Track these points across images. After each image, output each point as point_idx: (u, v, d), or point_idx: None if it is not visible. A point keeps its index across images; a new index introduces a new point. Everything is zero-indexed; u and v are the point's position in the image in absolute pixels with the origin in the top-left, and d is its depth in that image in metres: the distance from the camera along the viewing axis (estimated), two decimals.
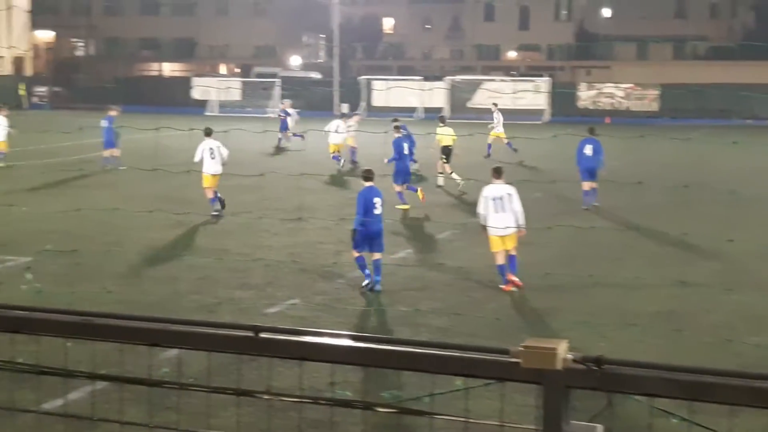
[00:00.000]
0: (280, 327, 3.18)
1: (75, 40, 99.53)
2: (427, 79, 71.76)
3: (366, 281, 16.02)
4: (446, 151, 29.92)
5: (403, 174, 25.30)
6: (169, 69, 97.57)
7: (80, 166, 29.63)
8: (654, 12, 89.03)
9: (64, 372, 3.65)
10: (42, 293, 14.71)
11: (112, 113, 34.13)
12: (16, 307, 3.56)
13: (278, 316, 14.33)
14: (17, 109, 65.06)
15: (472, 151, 36.74)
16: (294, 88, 69.88)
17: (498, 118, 38.87)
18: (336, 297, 15.69)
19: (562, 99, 67.61)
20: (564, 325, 13.76)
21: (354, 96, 69.04)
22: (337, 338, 3.10)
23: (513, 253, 16.35)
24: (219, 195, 23.65)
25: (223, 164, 23.87)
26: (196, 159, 23.90)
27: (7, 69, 78.51)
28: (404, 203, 24.68)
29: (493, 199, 16.17)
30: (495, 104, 41.42)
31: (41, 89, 76.28)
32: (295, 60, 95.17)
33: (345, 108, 64.86)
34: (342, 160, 33.75)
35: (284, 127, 42.19)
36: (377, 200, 16.16)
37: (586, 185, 25.31)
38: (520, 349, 2.77)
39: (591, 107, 67.99)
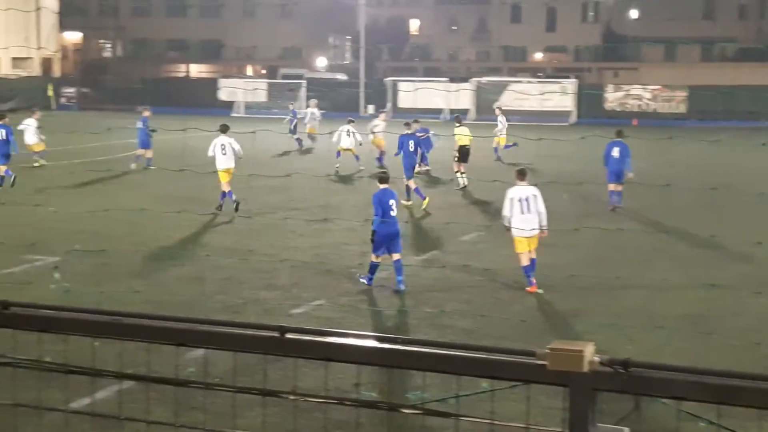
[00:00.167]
0: (305, 328, 3.18)
1: (103, 41, 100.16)
2: (453, 80, 71.62)
3: (368, 283, 16.12)
4: (463, 151, 30.08)
5: (405, 169, 25.95)
6: (196, 70, 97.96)
7: (108, 166, 29.81)
8: (682, 13, 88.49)
9: (91, 371, 3.67)
10: (70, 293, 14.83)
11: (146, 114, 34.66)
12: (45, 306, 3.59)
13: (303, 316, 14.36)
14: (46, 110, 65.65)
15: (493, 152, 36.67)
16: (320, 90, 69.95)
17: (502, 122, 38.71)
18: (361, 298, 15.69)
19: (589, 100, 67.30)
20: (590, 328, 13.70)
21: (380, 97, 69.01)
22: (363, 339, 3.10)
23: (533, 255, 16.33)
24: (229, 193, 24.16)
25: (239, 158, 24.47)
26: (209, 154, 24.45)
27: (36, 70, 79.10)
28: (423, 197, 25.05)
29: (519, 201, 16.17)
30: (499, 108, 41.23)
31: (69, 90, 76.76)
32: (321, 61, 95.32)
33: (371, 108, 64.87)
34: (359, 160, 33.94)
35: (293, 129, 42.36)
36: (392, 202, 16.29)
37: (612, 186, 25.33)
38: (547, 351, 2.76)
39: (618, 109, 67.61)
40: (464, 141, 30.33)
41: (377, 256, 16.13)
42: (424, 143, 33.14)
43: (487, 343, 3.02)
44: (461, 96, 67.58)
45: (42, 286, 15.38)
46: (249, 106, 69.66)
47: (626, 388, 2.70)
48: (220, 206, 24.16)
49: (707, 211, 24.18)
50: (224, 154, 24.27)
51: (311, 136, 41.44)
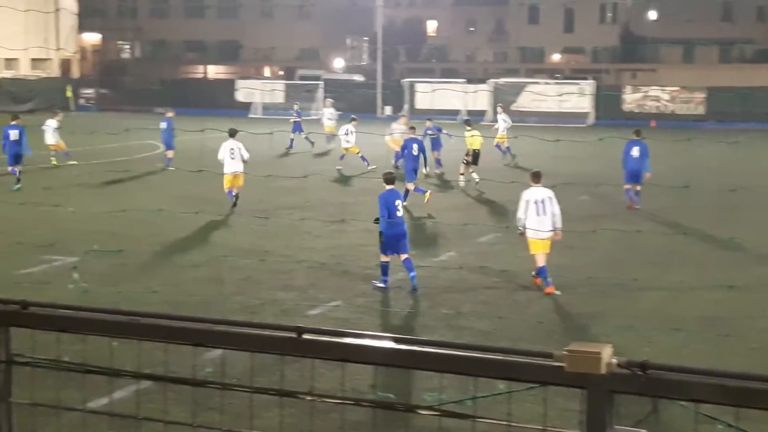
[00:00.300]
0: (322, 328, 3.19)
1: (121, 42, 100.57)
2: (470, 81, 71.58)
3: (384, 285, 16.10)
4: (475, 154, 30.17)
5: (409, 172, 26.14)
6: (214, 71, 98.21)
7: (127, 167, 29.93)
8: (700, 15, 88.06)
9: (109, 371, 3.68)
10: (88, 293, 14.89)
11: (170, 115, 35.01)
12: (63, 306, 3.61)
13: (320, 317, 14.37)
14: (64, 111, 65.96)
15: (516, 154, 36.62)
16: (337, 91, 70.04)
17: (506, 120, 38.65)
18: (378, 299, 15.70)
19: (607, 102, 67.13)
20: (608, 330, 13.66)
21: (397, 98, 69.03)
22: (379, 340, 3.10)
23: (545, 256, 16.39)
24: (229, 193, 24.68)
25: (244, 162, 24.84)
26: (219, 157, 24.81)
27: (55, 71, 79.49)
28: (423, 192, 25.37)
29: (535, 202, 16.21)
30: (501, 106, 41.18)
31: (88, 91, 77.13)
32: (338, 62, 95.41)
33: (388, 110, 64.90)
34: (365, 161, 34.04)
35: (298, 129, 42.40)
36: (398, 202, 16.35)
37: (629, 185, 25.41)
38: (564, 353, 2.75)
39: (636, 110, 67.39)
40: (476, 145, 30.44)
41: (386, 256, 16.18)
42: (435, 143, 33.17)
43: (504, 345, 3.02)
44: (478, 97, 67.53)
45: (60, 286, 15.46)
46: (266, 107, 69.84)
47: (644, 391, 2.69)
48: (234, 203, 24.51)
49: (726, 213, 24.07)
50: (233, 158, 24.67)
51: (329, 137, 41.51)
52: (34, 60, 75.86)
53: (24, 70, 75.03)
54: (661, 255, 19.61)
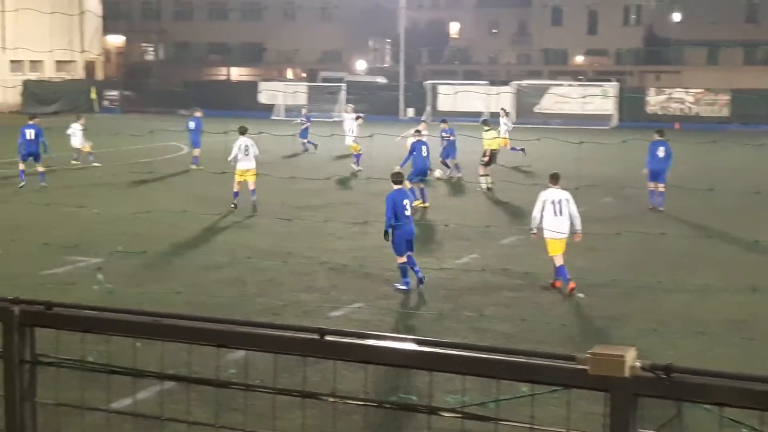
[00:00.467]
0: (345, 330, 3.19)
1: (145, 44, 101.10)
2: (493, 83, 71.46)
3: (406, 287, 16.12)
4: (492, 154, 30.17)
5: (415, 173, 26.28)
6: (237, 73, 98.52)
7: (151, 168, 30.07)
8: (725, 16, 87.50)
9: (133, 372, 3.70)
10: (113, 294, 14.97)
11: (198, 114, 35.37)
12: (88, 307, 3.63)
13: (342, 319, 14.38)
14: (89, 113, 66.34)
15: (537, 156, 36.52)
16: (360, 93, 70.07)
17: (506, 123, 38.58)
18: (400, 301, 15.70)
19: (631, 104, 66.84)
20: (632, 333, 13.60)
21: (420, 100, 69.00)
22: (402, 342, 3.10)
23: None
24: (235, 194, 24.83)
25: (255, 157, 25.18)
26: (233, 155, 24.99)
27: (79, 73, 79.99)
28: (414, 198, 25.21)
29: (552, 203, 16.36)
30: (503, 109, 41.07)
31: (112, 93, 77.57)
32: (361, 64, 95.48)
33: (411, 112, 64.84)
34: (358, 161, 34.40)
35: (304, 135, 42.49)
36: (406, 202, 16.47)
37: (652, 185, 25.34)
38: (587, 355, 2.74)
39: (660, 112, 67.05)
40: (494, 145, 30.45)
41: (403, 257, 16.24)
42: (449, 147, 33.05)
43: (527, 348, 3.01)
44: (501, 99, 67.42)
45: (85, 286, 15.55)
46: (289, 109, 69.94)
47: (668, 394, 2.68)
48: (254, 206, 24.56)
49: (750, 216, 23.92)
50: (246, 155, 24.92)
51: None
52: (58, 62, 76.35)
53: (49, 72, 75.54)
54: (685, 257, 19.50)
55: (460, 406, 3.34)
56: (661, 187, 25.40)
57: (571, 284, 16.07)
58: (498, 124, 35.76)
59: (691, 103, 67.54)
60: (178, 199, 26.08)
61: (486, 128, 31.66)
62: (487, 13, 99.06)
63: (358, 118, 36.17)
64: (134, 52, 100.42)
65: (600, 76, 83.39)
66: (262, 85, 76.74)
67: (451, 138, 32.95)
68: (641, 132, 36.79)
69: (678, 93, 68.73)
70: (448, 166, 32.61)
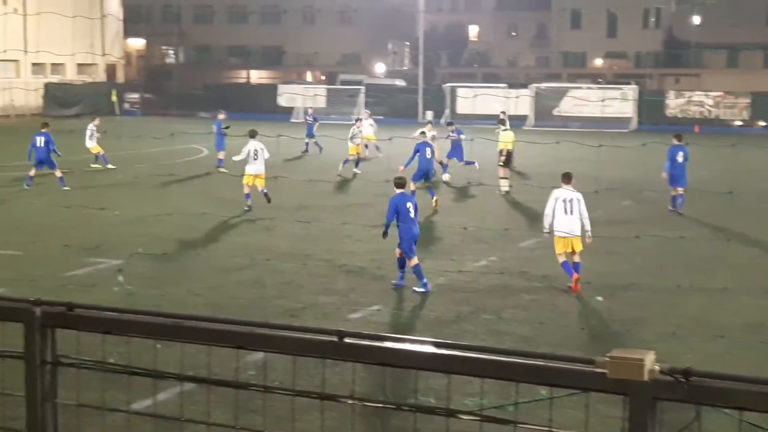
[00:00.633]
0: (363, 332, 3.20)
1: (166, 47, 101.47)
2: (512, 86, 71.35)
3: (424, 289, 16.17)
4: (508, 154, 30.16)
5: (420, 174, 26.54)
6: (257, 76, 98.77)
7: (171, 170, 30.19)
8: (744, 19, 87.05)
9: (153, 373, 3.72)
10: (133, 295, 15.04)
11: (221, 117, 35.57)
12: (108, 308, 3.65)
13: (361, 321, 14.39)
14: (110, 116, 66.70)
15: (556, 159, 36.42)
16: (378, 96, 70.09)
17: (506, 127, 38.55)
18: (418, 304, 15.69)
19: (650, 107, 66.59)
20: (651, 336, 13.55)
21: (438, 103, 68.95)
22: (420, 344, 3.11)
23: (577, 259, 16.42)
24: (265, 191, 25.05)
25: (265, 160, 25.33)
26: (241, 157, 25.16)
27: (100, 76, 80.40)
28: (432, 197, 25.95)
29: (563, 201, 16.51)
30: (503, 112, 41.04)
31: (133, 96, 77.91)
32: (379, 67, 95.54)
33: (429, 115, 64.79)
34: (357, 164, 34.63)
35: (310, 133, 42.55)
36: (410, 205, 16.59)
37: (674, 190, 25.36)
38: (606, 359, 2.74)
39: (680, 115, 66.76)
40: (509, 145, 30.42)
41: (415, 259, 16.33)
42: (455, 150, 32.98)
43: (546, 351, 3.01)
44: (520, 102, 67.29)
45: (106, 288, 15.63)
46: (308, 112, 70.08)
47: (687, 398, 2.67)
48: (268, 199, 24.90)
49: None
50: (256, 158, 25.04)
51: (370, 146, 41.67)
52: (80, 65, 76.78)
53: (70, 75, 75.98)
54: (704, 261, 19.42)
55: (478, 409, 3.35)
56: (680, 191, 25.34)
57: (575, 276, 16.27)
58: (519, 127, 35.67)
59: (710, 106, 67.21)
60: (197, 201, 26.17)
61: (503, 128, 31.61)
62: (506, 16, 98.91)
63: (357, 120, 36.26)
64: (155, 55, 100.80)
65: (619, 79, 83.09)
66: (282, 88, 76.88)
67: (461, 137, 32.88)
68: (661, 135, 36.68)
69: (698, 96, 68.42)
70: (444, 167, 32.30)
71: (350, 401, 3.35)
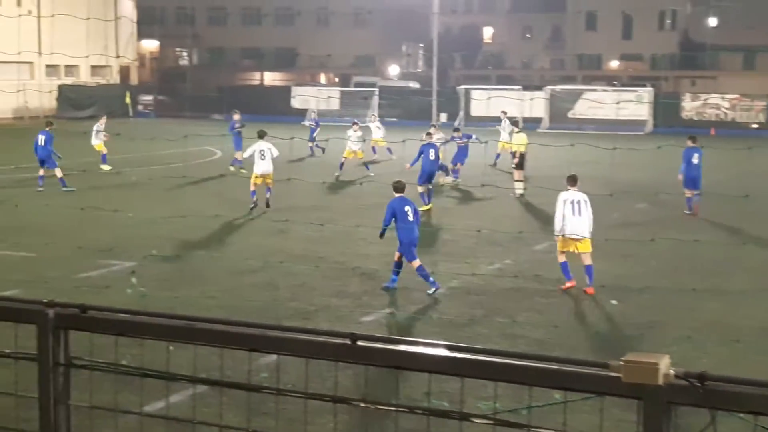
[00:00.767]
0: (376, 335, 3.19)
1: (179, 49, 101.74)
2: (526, 88, 71.21)
3: (433, 288, 16.23)
4: (521, 156, 30.15)
5: (424, 177, 26.52)
6: (270, 78, 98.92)
7: (184, 172, 30.26)
8: (761, 22, 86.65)
9: (166, 375, 3.72)
10: (146, 297, 15.07)
11: (235, 117, 35.77)
12: (121, 310, 3.65)
13: (374, 324, 14.39)
14: (123, 118, 66.89)
15: (571, 162, 36.36)
16: (392, 98, 70.06)
17: (505, 126, 38.51)
18: (432, 306, 15.68)
19: (666, 109, 66.37)
20: (665, 340, 13.50)
21: (452, 105, 68.90)
22: (433, 348, 3.10)
23: (589, 262, 16.42)
24: (269, 196, 25.28)
25: (272, 160, 25.47)
26: (246, 155, 25.58)
27: (114, 78, 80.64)
28: (425, 203, 25.91)
29: (571, 203, 16.63)
30: (504, 112, 40.96)
31: (146, 98, 78.12)
32: (393, 69, 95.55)
33: (444, 117, 64.77)
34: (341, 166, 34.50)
35: (312, 137, 42.59)
36: (408, 208, 16.65)
37: (689, 192, 25.29)
38: (621, 363, 2.73)
39: (695, 118, 66.53)
40: (522, 147, 30.39)
41: (416, 261, 16.43)
42: (460, 153, 32.95)
43: (560, 354, 2.99)
44: (535, 104, 67.16)
45: (119, 290, 15.66)
46: (321, 114, 70.15)
47: (702, 402, 2.65)
48: (267, 204, 25.06)
49: None
50: (263, 159, 25.24)
51: (389, 149, 41.71)
52: (93, 67, 77.02)
53: (84, 77, 76.24)
54: (719, 264, 19.34)
55: (492, 413, 3.33)
56: (696, 192, 25.39)
57: (571, 283, 16.38)
58: (534, 129, 35.61)
59: (726, 108, 66.97)
60: (211, 203, 26.22)
61: (516, 130, 31.56)
62: (520, 17, 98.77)
63: (354, 124, 36.33)
64: (168, 57, 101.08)
65: (635, 81, 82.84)
66: (295, 90, 76.98)
67: (469, 141, 32.85)
68: (676, 138, 36.55)
69: (713, 98, 68.18)
70: (446, 172, 32.20)
71: (363, 404, 3.34)
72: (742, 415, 2.68)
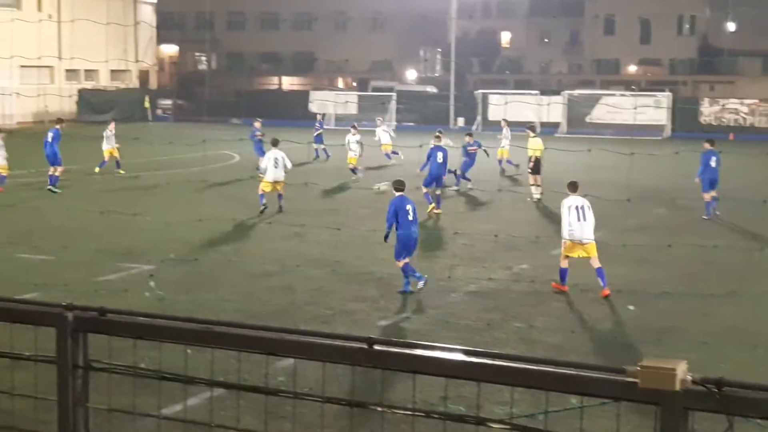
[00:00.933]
0: (393, 340, 3.20)
1: (198, 54, 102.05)
2: (544, 93, 71.06)
3: (421, 282, 16.45)
4: (537, 161, 30.08)
5: (431, 179, 26.66)
6: (288, 83, 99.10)
7: (203, 177, 30.35)
8: None
9: (184, 378, 3.74)
10: (164, 300, 15.12)
11: (256, 124, 35.95)
12: (140, 313, 3.67)
13: (391, 328, 14.38)
14: (142, 122, 67.14)
15: (589, 167, 36.29)
16: (410, 102, 70.05)
17: (506, 134, 38.45)
18: (449, 311, 15.66)
19: (684, 114, 66.08)
20: (683, 346, 13.44)
21: (470, 110, 68.82)
22: (450, 352, 3.10)
23: (598, 265, 16.44)
24: (281, 202, 25.57)
25: (286, 172, 25.77)
26: (262, 166, 25.76)
27: (133, 82, 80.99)
28: (429, 203, 26.19)
29: (576, 208, 16.76)
30: (504, 120, 40.88)
31: (165, 102, 78.40)
32: (411, 74, 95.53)
33: (461, 121, 64.68)
34: (358, 173, 34.85)
35: (319, 140, 42.54)
36: (409, 207, 16.74)
37: (708, 196, 25.23)
38: (638, 368, 2.72)
39: (714, 123, 66.21)
40: (537, 152, 30.30)
41: (401, 262, 16.56)
42: (469, 159, 32.84)
43: (577, 359, 2.99)
44: (552, 109, 67.02)
45: (137, 293, 15.72)
46: (339, 119, 70.18)
47: (719, 408, 2.65)
48: (280, 208, 25.38)
49: None
50: (276, 167, 25.55)
51: (387, 154, 41.73)
52: (113, 71, 77.36)
53: (103, 81, 76.58)
54: (737, 270, 19.24)
55: (508, 418, 3.33)
56: (714, 193, 25.37)
57: (564, 287, 16.65)
58: (552, 134, 35.54)
59: (745, 113, 66.63)
60: (229, 207, 26.29)
61: (532, 135, 31.48)
62: (538, 22, 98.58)
63: (352, 128, 36.37)
64: (187, 62, 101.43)
65: (653, 86, 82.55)
66: (313, 95, 77.10)
67: (478, 150, 32.79)
68: (694, 143, 36.41)
69: (732, 103, 67.86)
70: (458, 178, 32.10)
71: (379, 408, 3.34)
72: (759, 420, 2.67)
